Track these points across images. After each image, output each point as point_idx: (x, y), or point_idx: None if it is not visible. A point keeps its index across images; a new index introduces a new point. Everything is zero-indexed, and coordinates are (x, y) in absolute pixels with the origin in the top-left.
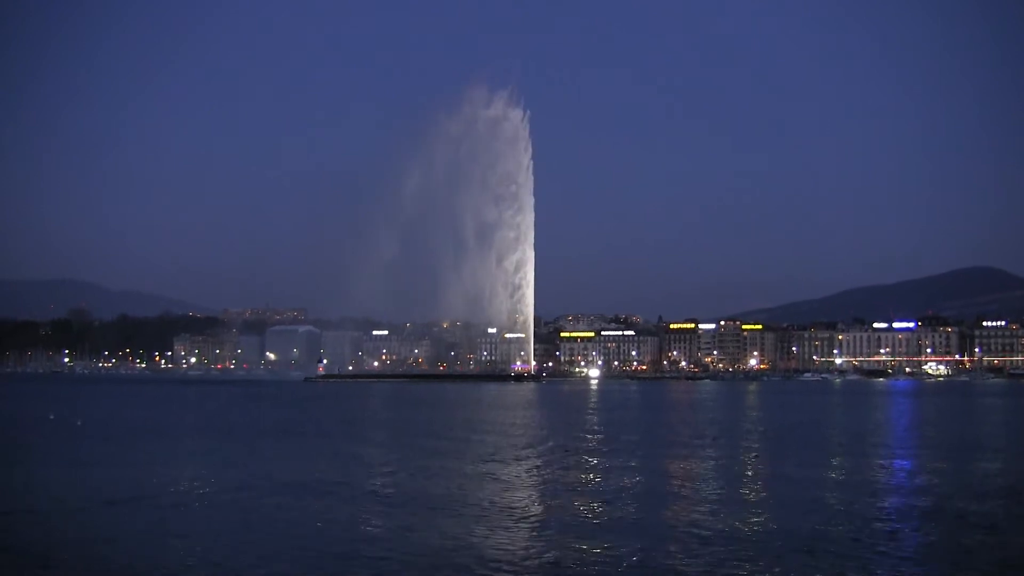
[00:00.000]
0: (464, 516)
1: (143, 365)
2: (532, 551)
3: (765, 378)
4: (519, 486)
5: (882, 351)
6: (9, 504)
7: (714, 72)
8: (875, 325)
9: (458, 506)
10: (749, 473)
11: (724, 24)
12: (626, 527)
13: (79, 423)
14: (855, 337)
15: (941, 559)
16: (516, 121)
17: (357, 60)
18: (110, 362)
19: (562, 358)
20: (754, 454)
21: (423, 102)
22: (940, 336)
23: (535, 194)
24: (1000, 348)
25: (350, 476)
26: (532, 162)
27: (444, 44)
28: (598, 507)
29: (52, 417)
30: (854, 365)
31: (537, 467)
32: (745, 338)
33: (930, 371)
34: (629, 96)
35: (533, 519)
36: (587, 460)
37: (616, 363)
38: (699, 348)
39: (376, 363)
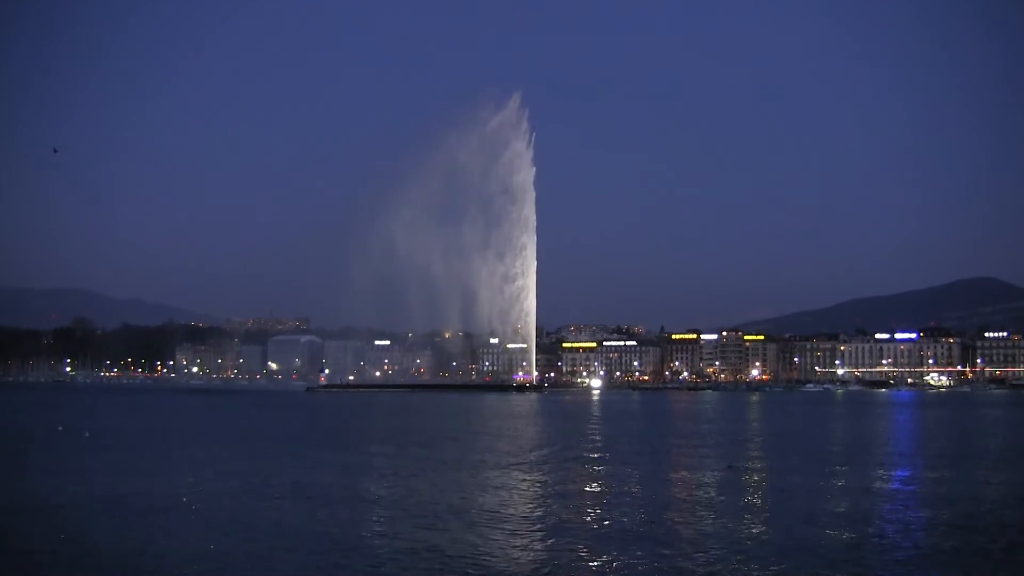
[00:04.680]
0: (464, 523)
1: (145, 374)
2: (532, 559)
3: (767, 389)
4: (520, 495)
5: (884, 362)
6: (25, 509)
7: (713, 82)
8: (877, 336)
9: (458, 513)
10: (751, 484)
11: (720, 33)
12: (627, 536)
13: (86, 434)
14: (857, 348)
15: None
16: (520, 136)
17: (362, 70)
18: (112, 371)
19: (564, 368)
20: (757, 464)
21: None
22: (942, 347)
23: (537, 204)
24: (1002, 359)
25: (352, 483)
26: (535, 174)
27: (449, 55)
28: (599, 515)
29: (60, 428)
30: (856, 376)
31: (539, 476)
32: (747, 349)
33: (932, 382)
34: (630, 107)
35: (534, 527)
36: (589, 469)
37: (618, 373)
38: (701, 358)
39: (378, 373)
